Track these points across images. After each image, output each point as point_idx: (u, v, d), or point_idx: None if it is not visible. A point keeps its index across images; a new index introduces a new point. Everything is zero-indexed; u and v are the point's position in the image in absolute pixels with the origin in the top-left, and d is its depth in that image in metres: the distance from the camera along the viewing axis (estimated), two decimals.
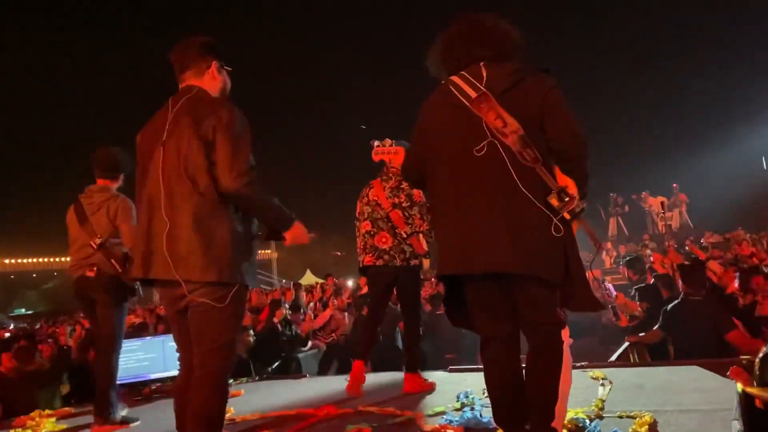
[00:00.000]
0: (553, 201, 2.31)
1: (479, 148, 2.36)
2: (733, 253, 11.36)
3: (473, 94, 2.40)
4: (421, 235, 4.40)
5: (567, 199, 2.30)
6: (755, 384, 3.28)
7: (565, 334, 2.50)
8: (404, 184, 4.46)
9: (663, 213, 14.77)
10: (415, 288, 4.58)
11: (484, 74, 2.46)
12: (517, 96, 2.37)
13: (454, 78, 2.52)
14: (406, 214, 4.41)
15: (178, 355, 2.80)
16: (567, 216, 2.33)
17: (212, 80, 2.78)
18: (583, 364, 4.42)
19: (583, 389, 3.74)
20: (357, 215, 4.65)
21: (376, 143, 4.67)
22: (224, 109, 2.59)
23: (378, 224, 4.46)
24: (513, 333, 2.50)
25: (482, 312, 2.54)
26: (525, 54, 2.61)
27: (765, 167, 20.42)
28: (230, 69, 2.87)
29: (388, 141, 4.64)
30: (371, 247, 4.44)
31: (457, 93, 2.46)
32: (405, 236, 4.38)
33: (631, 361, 5.00)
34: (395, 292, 4.70)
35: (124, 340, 4.45)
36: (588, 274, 2.48)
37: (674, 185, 21.12)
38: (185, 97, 2.68)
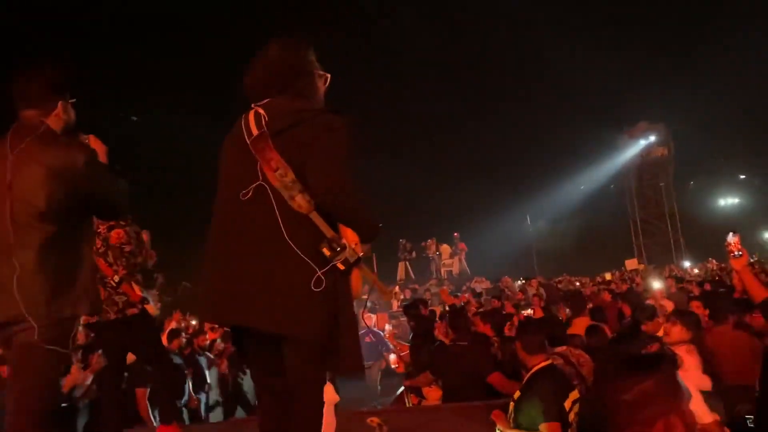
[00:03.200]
0: (325, 250, 2.16)
1: (245, 192, 2.21)
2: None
3: (255, 132, 2.27)
4: (133, 282, 4.07)
5: (338, 248, 2.15)
6: (510, 425, 3.62)
7: (329, 391, 2.34)
8: (101, 228, 4.13)
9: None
10: (145, 338, 4.18)
11: (270, 110, 2.31)
12: (293, 137, 2.21)
13: (249, 112, 2.36)
14: (107, 260, 4.07)
15: None
16: (341, 266, 2.17)
17: (57, 119, 2.70)
18: (361, 410, 4.50)
19: None
20: None
21: None
22: (81, 151, 2.61)
23: None
24: (283, 387, 2.30)
25: (252, 363, 2.45)
26: (328, 92, 2.50)
27: (529, 223, 23.37)
28: (74, 101, 2.79)
29: None
30: None
31: (243, 130, 2.31)
32: (115, 284, 4.01)
33: (407, 404, 5.20)
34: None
35: None
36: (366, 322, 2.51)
37: (455, 234, 23.02)
38: (32, 134, 2.58)
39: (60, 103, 2.71)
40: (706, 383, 3.84)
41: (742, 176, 31.51)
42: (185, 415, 6.59)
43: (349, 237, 2.23)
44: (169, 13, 21.59)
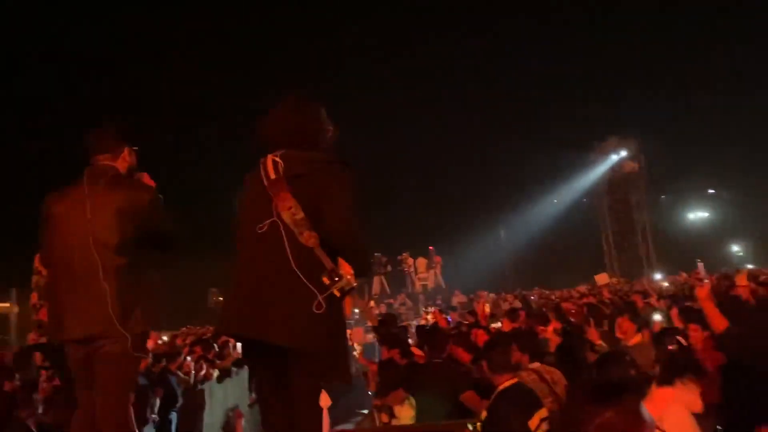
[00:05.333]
0: (325, 280, 2.53)
1: (261, 226, 2.60)
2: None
3: (272, 176, 2.66)
4: None
5: (337, 278, 2.54)
6: None
7: (323, 396, 2.79)
8: None
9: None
10: None
11: (287, 159, 2.71)
12: (306, 183, 2.62)
13: (267, 158, 2.75)
14: None
15: None
16: (337, 293, 2.55)
17: (123, 162, 3.25)
18: (333, 431, 4.43)
19: None
20: None
21: None
22: (147, 192, 3.17)
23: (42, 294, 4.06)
24: (286, 396, 2.65)
25: (258, 376, 2.81)
26: (335, 146, 2.93)
27: (503, 237, 23.56)
28: (137, 149, 3.33)
29: None
30: (36, 322, 4.04)
31: (262, 173, 2.71)
32: None
33: (377, 424, 5.13)
34: None
35: None
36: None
37: (430, 248, 23.05)
38: (105, 177, 3.12)
39: (126, 149, 3.27)
40: (698, 405, 3.86)
41: (711, 190, 32.13)
42: None
43: (345, 269, 2.61)
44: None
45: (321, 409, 2.75)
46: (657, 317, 7.25)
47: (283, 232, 2.56)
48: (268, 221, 2.59)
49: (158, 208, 3.17)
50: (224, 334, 2.84)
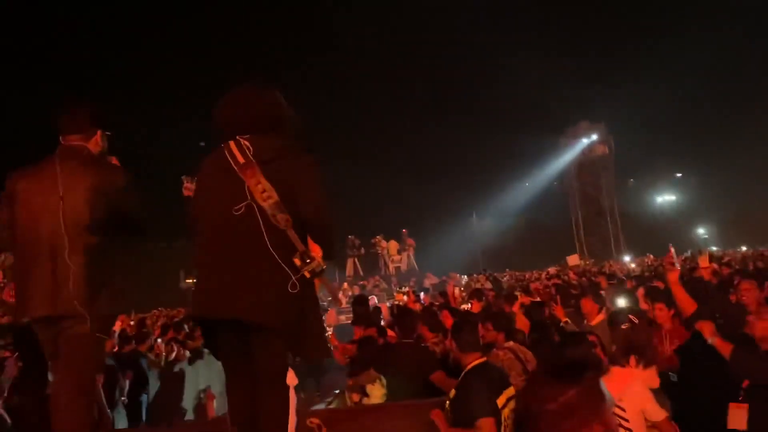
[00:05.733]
0: (297, 261, 2.62)
1: (237, 208, 2.62)
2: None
3: (242, 160, 2.70)
4: None
5: (308, 260, 2.63)
6: (450, 424, 3.64)
7: (290, 375, 2.79)
8: None
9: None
10: None
11: (255, 144, 2.75)
12: (278, 168, 2.68)
13: (231, 143, 2.78)
14: None
15: None
16: (308, 275, 2.63)
17: (95, 145, 3.23)
18: (309, 411, 4.45)
19: None
20: None
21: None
22: (122, 175, 3.17)
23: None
24: (254, 375, 2.69)
25: (227, 356, 2.81)
26: (297, 131, 2.97)
27: (475, 220, 23.76)
28: (110, 134, 3.33)
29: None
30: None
31: (228, 157, 2.73)
32: None
33: (348, 403, 5.17)
34: None
35: None
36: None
37: (404, 231, 23.13)
38: (78, 157, 3.11)
39: (99, 132, 3.26)
40: (655, 381, 3.97)
41: (679, 174, 32.70)
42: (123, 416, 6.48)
43: (315, 251, 2.70)
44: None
45: (288, 388, 2.79)
46: (621, 301, 7.40)
47: (258, 214, 2.61)
48: (243, 204, 2.62)
49: (131, 191, 3.18)
50: (197, 319, 2.92)
